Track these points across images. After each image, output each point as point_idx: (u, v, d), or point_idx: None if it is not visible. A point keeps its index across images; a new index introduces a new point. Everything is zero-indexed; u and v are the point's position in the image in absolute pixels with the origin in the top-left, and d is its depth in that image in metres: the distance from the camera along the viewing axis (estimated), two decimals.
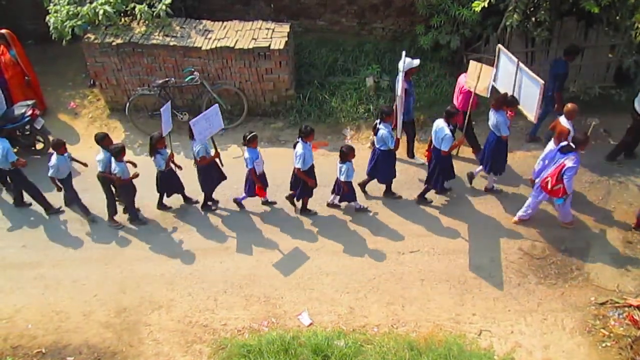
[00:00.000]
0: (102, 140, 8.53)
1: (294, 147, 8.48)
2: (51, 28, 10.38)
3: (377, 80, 11.13)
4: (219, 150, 8.81)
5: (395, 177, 9.15)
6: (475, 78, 8.90)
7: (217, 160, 8.90)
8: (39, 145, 10.31)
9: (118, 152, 8.32)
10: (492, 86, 8.95)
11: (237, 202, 9.27)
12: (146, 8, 10.32)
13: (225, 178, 9.12)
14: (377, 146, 8.77)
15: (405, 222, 9.04)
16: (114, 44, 10.24)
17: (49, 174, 8.58)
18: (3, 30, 10.50)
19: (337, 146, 9.62)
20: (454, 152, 9.18)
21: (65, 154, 8.65)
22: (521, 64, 8.52)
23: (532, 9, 9.95)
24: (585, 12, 9.64)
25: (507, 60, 8.78)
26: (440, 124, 8.54)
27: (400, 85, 8.50)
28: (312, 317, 7.79)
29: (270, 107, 10.96)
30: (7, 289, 8.24)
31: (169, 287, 8.20)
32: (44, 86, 11.28)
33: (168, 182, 8.96)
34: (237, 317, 7.82)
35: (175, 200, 9.36)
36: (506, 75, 8.86)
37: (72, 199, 9.14)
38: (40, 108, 10.64)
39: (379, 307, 7.89)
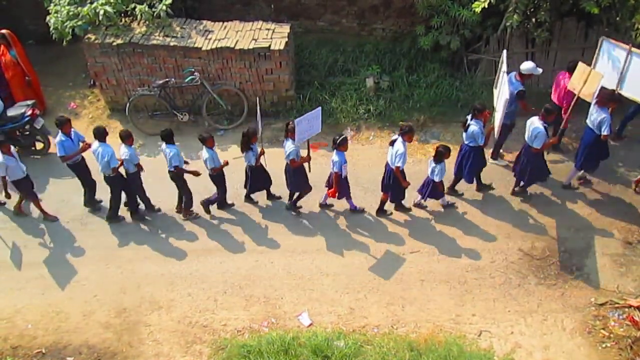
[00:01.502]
0: (127, 138, 8.45)
1: (391, 144, 8.36)
2: (52, 28, 10.39)
3: (377, 80, 11.13)
4: (311, 154, 8.65)
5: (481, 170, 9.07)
6: (582, 82, 8.50)
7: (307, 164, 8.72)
8: (39, 145, 10.31)
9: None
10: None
11: (322, 205, 9.22)
12: (146, 8, 10.32)
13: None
14: (465, 142, 8.71)
15: (405, 222, 9.04)
16: (114, 44, 10.23)
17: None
18: (3, 31, 10.51)
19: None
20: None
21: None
22: (505, 75, 8.32)
23: (532, 9, 9.96)
24: (585, 13, 9.64)
25: (611, 50, 8.39)
26: (534, 121, 8.44)
27: (505, 88, 8.21)
28: (312, 317, 7.79)
29: (271, 107, 10.96)
30: (7, 289, 8.23)
31: (169, 287, 8.20)
32: (44, 86, 11.28)
33: (257, 178, 8.90)
34: (237, 317, 7.82)
35: (172, 200, 9.35)
36: (611, 67, 8.51)
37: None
38: (40, 108, 10.65)
39: (379, 307, 7.88)
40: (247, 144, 8.52)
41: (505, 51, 8.98)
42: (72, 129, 8.72)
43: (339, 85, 11.17)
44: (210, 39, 10.30)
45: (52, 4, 10.53)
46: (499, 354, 7.30)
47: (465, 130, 8.63)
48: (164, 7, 10.30)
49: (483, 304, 7.89)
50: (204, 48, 10.17)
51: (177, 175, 8.69)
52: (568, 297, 7.94)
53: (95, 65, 10.63)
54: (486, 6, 9.39)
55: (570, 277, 8.19)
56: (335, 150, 8.32)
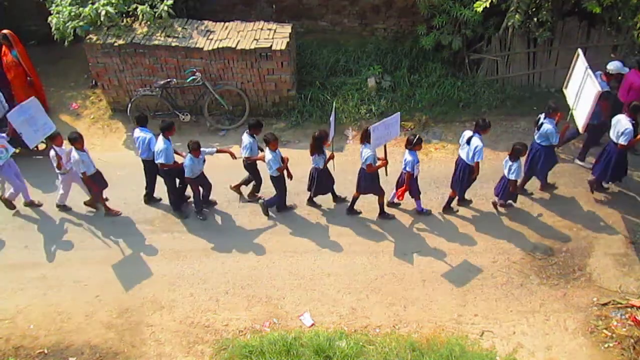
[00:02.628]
0: (168, 128, 8.52)
1: (468, 142, 8.34)
2: (53, 29, 10.40)
3: (378, 80, 11.12)
4: (388, 159, 8.54)
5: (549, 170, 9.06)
6: None
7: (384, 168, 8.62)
8: (41, 146, 10.30)
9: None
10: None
11: (391, 203, 9.19)
12: (148, 9, 10.32)
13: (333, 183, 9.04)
14: (537, 141, 8.68)
15: (407, 222, 9.04)
16: (115, 44, 10.24)
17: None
18: (5, 31, 10.51)
19: (339, 147, 9.64)
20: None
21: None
22: (589, 70, 8.08)
23: (533, 9, 9.94)
24: (587, 13, 9.63)
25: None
26: (621, 118, 8.40)
27: (591, 85, 7.98)
28: (313, 317, 7.78)
29: (272, 107, 10.96)
30: (9, 289, 8.23)
31: (171, 287, 8.19)
32: (46, 87, 11.29)
33: (323, 181, 8.84)
34: (239, 317, 7.82)
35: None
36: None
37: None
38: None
39: (381, 307, 7.87)
40: (318, 147, 8.44)
41: (580, 49, 8.72)
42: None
43: (340, 85, 11.16)
44: (211, 39, 10.30)
45: (53, 5, 10.53)
46: (501, 354, 7.28)
47: (538, 129, 8.60)
48: (166, 8, 10.31)
49: (485, 304, 7.87)
50: (205, 48, 10.17)
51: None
52: (570, 297, 7.92)
53: (97, 66, 10.64)
54: (488, 6, 9.38)
55: (572, 277, 8.17)
56: (408, 150, 8.29)
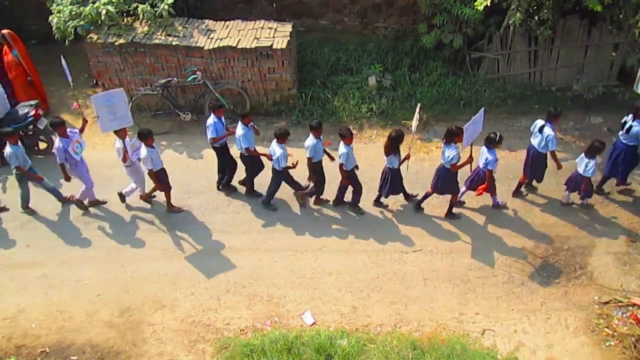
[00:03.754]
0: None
1: (540, 131, 8.44)
2: (54, 28, 10.41)
3: (379, 79, 11.12)
4: (473, 156, 8.45)
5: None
6: None
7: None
8: (42, 145, 10.33)
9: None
10: None
11: (495, 200, 9.14)
12: (149, 8, 10.33)
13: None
14: (624, 141, 8.65)
15: (408, 221, 9.04)
16: (116, 43, 10.25)
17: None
18: (5, 31, 10.53)
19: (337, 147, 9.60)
20: None
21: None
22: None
23: (534, 7, 9.94)
24: (588, 11, 9.62)
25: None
26: None
27: None
28: (315, 316, 7.79)
29: (273, 106, 10.96)
30: (11, 288, 8.25)
31: (172, 286, 8.21)
32: (47, 86, 11.31)
33: (396, 181, 8.80)
34: (240, 316, 7.83)
35: (181, 200, 9.38)
36: None
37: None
38: (43, 108, 10.66)
39: (382, 306, 7.88)
40: (394, 147, 8.41)
41: None
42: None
43: (341, 84, 11.17)
44: (212, 38, 10.31)
45: (54, 4, 10.55)
46: (503, 352, 7.29)
47: (627, 132, 8.57)
48: (166, 7, 10.31)
49: (486, 302, 7.88)
50: (206, 47, 10.18)
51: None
52: (572, 296, 7.93)
53: (98, 65, 10.65)
54: (489, 4, 9.38)
55: (573, 276, 8.18)
56: (487, 149, 8.35)
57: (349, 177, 8.76)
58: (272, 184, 9.04)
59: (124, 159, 8.60)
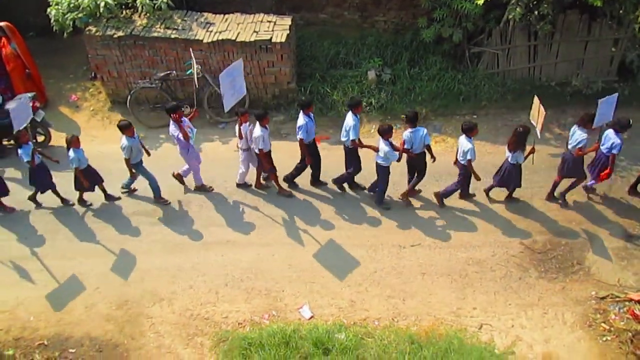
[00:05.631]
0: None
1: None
2: (52, 21, 10.37)
3: (379, 73, 11.09)
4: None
5: None
6: None
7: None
8: (40, 138, 10.29)
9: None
10: None
11: (588, 187, 9.14)
12: (147, 0, 10.28)
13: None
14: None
15: (406, 215, 9.04)
16: (115, 36, 10.21)
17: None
18: (3, 23, 10.47)
19: (336, 140, 9.63)
20: None
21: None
22: None
23: (534, 2, 9.90)
24: (588, 6, 9.60)
25: None
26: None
27: None
28: (313, 310, 7.79)
29: (272, 100, 10.93)
30: (9, 281, 8.24)
31: (171, 280, 8.20)
32: (45, 79, 11.26)
33: (519, 177, 8.77)
34: (238, 310, 7.83)
35: (175, 191, 9.36)
36: None
37: None
38: (41, 101, 10.63)
39: (380, 300, 7.89)
40: (522, 142, 8.38)
41: None
42: None
43: (340, 78, 11.14)
44: (211, 31, 10.27)
45: None
46: (500, 347, 7.30)
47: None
48: None
49: (484, 297, 7.89)
50: (205, 40, 10.14)
51: None
52: (569, 291, 7.94)
53: (97, 58, 10.61)
54: None
55: (571, 271, 8.19)
56: (615, 133, 8.32)
57: (387, 174, 8.78)
58: (381, 182, 8.95)
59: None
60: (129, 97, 10.55)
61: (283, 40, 10.07)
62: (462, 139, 8.43)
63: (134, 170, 8.93)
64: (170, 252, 8.59)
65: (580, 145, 8.38)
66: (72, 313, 7.85)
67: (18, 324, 7.73)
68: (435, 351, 7.09)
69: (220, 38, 10.13)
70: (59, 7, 10.29)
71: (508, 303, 7.81)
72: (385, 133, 8.39)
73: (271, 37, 10.09)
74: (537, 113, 8.24)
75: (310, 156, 8.96)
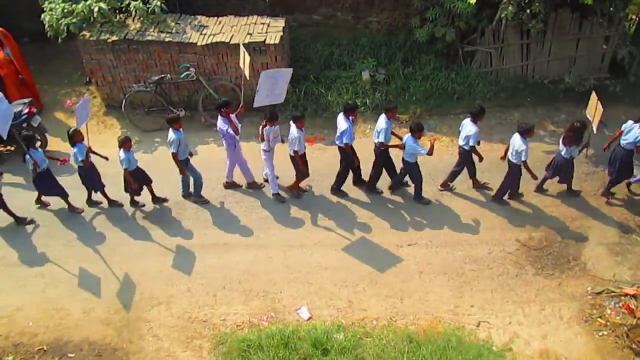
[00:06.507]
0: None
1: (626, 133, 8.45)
2: (46, 26, 10.33)
3: (373, 73, 11.10)
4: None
5: None
6: None
7: None
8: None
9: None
10: None
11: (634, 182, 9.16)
12: (141, 4, 10.27)
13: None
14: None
15: (402, 214, 9.05)
16: (109, 41, 10.19)
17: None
18: None
19: (333, 140, 9.61)
20: None
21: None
22: None
23: (526, 1, 9.92)
24: (579, 4, 9.63)
25: None
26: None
27: None
28: (311, 311, 7.80)
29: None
30: (7, 287, 8.21)
31: (168, 283, 8.19)
32: (40, 84, 11.23)
33: (572, 171, 8.84)
34: (237, 312, 7.83)
35: (171, 195, 9.34)
36: None
37: None
38: (36, 106, 10.58)
39: (378, 300, 7.90)
40: (578, 138, 8.42)
41: None
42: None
43: (334, 79, 11.14)
44: (205, 34, 10.26)
45: (46, 2, 10.47)
46: (498, 344, 7.32)
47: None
48: (158, 3, 10.26)
49: (481, 294, 7.91)
50: (199, 43, 10.13)
51: None
52: (565, 287, 7.97)
53: (91, 63, 10.58)
54: None
55: (567, 267, 8.23)
56: None
57: (416, 170, 8.83)
58: (414, 177, 9.00)
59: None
60: (123, 101, 10.52)
61: (277, 42, 10.07)
62: (517, 138, 8.36)
63: (184, 168, 8.94)
64: (167, 255, 8.57)
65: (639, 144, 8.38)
66: (70, 318, 7.83)
67: (17, 330, 7.71)
68: (434, 349, 7.11)
69: (214, 41, 10.12)
70: (53, 13, 10.25)
71: (505, 300, 7.83)
72: (416, 131, 8.40)
73: (265, 39, 10.09)
74: (595, 109, 8.26)
75: (355, 158, 8.97)
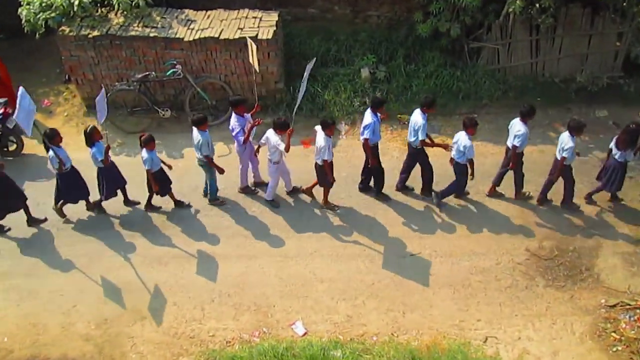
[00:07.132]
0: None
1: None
2: (23, 21, 10.29)
3: (372, 71, 11.11)
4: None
5: None
6: None
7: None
8: (12, 147, 10.21)
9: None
10: None
11: None
12: None
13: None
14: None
15: (405, 223, 9.05)
16: (90, 36, 10.16)
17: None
18: None
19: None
20: None
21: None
22: None
23: None
24: None
25: None
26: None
27: None
28: (306, 326, 7.77)
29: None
30: None
31: (153, 296, 8.15)
32: (16, 83, 11.14)
33: (623, 177, 8.79)
34: (226, 327, 7.80)
35: (163, 202, 9.31)
36: None
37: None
38: (12, 106, 10.52)
39: (378, 314, 7.88)
40: (634, 141, 8.40)
41: None
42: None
43: (331, 77, 11.15)
44: (192, 28, 10.25)
45: None
46: None
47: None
48: None
49: (488, 308, 7.90)
50: (186, 39, 10.12)
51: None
52: (577, 299, 7.97)
53: (70, 59, 10.55)
54: None
55: (579, 278, 8.23)
56: None
57: (464, 170, 8.76)
58: (457, 179, 8.99)
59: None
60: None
61: (270, 37, 10.07)
62: (566, 136, 8.37)
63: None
64: (152, 266, 8.53)
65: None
66: (48, 333, 7.79)
67: None
68: None
69: (202, 36, 10.12)
70: (31, 7, 10.23)
71: (514, 314, 7.83)
72: (470, 127, 8.34)
73: (257, 34, 10.08)
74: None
75: (375, 158, 8.94)
